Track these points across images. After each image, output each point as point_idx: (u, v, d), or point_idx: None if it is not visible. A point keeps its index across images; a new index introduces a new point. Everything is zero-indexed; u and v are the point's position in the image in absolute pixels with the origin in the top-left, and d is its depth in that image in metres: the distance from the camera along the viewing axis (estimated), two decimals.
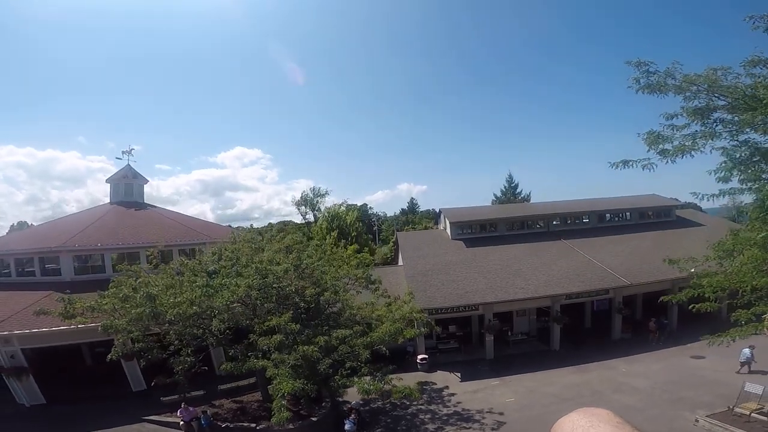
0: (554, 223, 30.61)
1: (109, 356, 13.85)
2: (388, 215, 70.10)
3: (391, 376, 13.75)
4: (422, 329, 15.50)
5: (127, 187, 28.12)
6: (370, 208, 68.34)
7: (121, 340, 13.90)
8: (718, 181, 9.21)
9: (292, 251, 16.48)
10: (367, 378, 13.31)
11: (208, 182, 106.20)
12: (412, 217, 66.33)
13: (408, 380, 18.95)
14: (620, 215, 31.86)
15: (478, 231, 29.72)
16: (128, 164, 28.19)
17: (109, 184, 28.52)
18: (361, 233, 42.65)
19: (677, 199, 33.93)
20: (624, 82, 9.12)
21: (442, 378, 19.49)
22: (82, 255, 21.72)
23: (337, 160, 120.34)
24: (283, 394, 11.40)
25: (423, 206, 69.99)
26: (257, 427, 14.13)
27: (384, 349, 13.96)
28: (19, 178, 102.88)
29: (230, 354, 14.58)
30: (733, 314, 11.16)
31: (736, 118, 8.66)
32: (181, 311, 13.09)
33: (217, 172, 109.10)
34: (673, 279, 22.37)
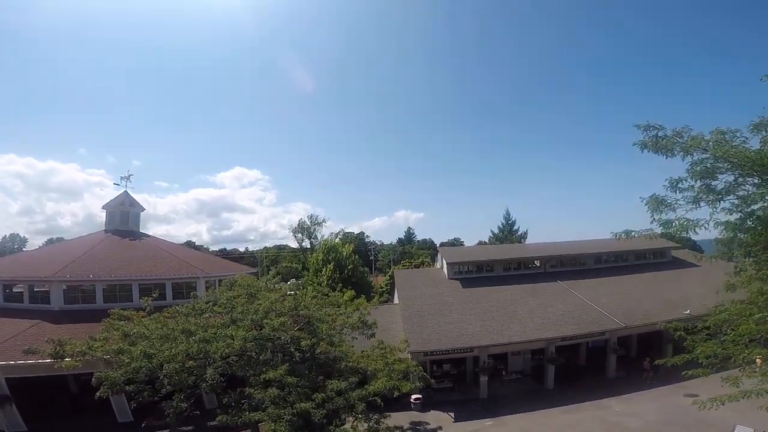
0: (550, 264, 30.67)
1: (98, 394, 13.59)
2: (384, 243, 70.23)
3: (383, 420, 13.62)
4: (418, 383, 15.40)
5: (123, 216, 28.14)
6: (367, 236, 68.58)
7: (108, 381, 13.71)
8: (716, 243, 9.71)
9: (288, 298, 16.54)
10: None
11: (205, 202, 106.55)
12: (409, 247, 66.42)
13: (401, 420, 18.74)
14: (617, 257, 32.01)
15: (475, 271, 29.80)
16: (126, 191, 28.34)
17: (104, 212, 28.54)
18: (357, 267, 42.66)
19: (676, 244, 34.24)
20: (629, 127, 9.40)
21: (435, 418, 19.08)
22: (74, 287, 21.67)
23: (335, 185, 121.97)
24: None
25: (420, 235, 70.28)
26: None
27: (379, 401, 13.83)
28: (16, 189, 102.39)
29: (224, 402, 14.29)
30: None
31: (741, 184, 8.60)
32: (177, 366, 13.06)
33: (215, 192, 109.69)
34: (667, 321, 22.44)
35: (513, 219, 58.18)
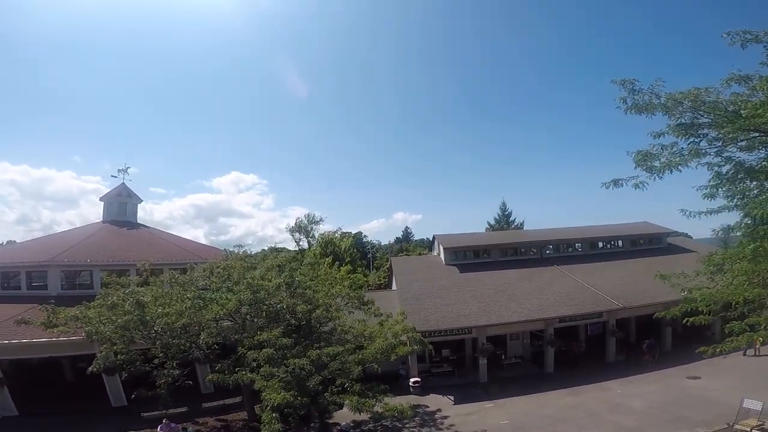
0: (547, 250, 30.75)
1: (90, 368, 13.33)
2: (382, 243, 70.04)
3: (382, 396, 13.39)
4: (415, 346, 15.19)
5: (121, 206, 27.91)
6: (365, 236, 68.17)
7: (103, 352, 13.42)
8: (704, 198, 9.69)
9: (285, 269, 16.36)
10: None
11: (202, 207, 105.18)
12: (407, 245, 66.26)
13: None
14: (612, 242, 32.05)
15: (472, 257, 29.66)
16: (123, 183, 28.19)
17: (102, 203, 28.34)
18: (355, 259, 42.38)
19: (671, 230, 34.31)
20: (614, 108, 9.44)
21: (434, 401, 18.91)
22: (71, 271, 21.32)
23: (333, 188, 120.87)
24: (274, 405, 10.96)
25: (417, 235, 70.20)
26: None
27: (376, 367, 13.59)
28: (11, 197, 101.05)
29: (217, 369, 14.12)
30: (727, 326, 11.05)
31: (720, 135, 8.85)
32: (169, 321, 12.79)
33: (211, 197, 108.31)
34: (664, 302, 22.44)
35: (509, 211, 58.14)
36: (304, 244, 63.04)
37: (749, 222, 9.90)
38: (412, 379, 19.95)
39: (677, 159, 8.85)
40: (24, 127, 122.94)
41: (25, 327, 15.94)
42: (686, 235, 39.27)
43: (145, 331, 13.12)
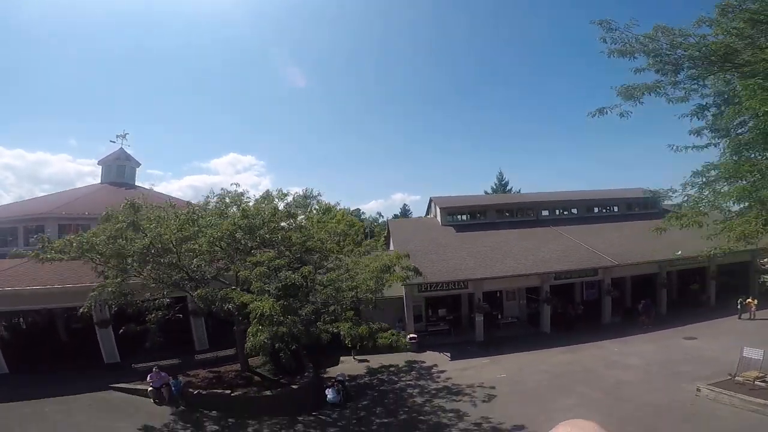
0: (543, 213, 30.49)
1: (81, 309, 12.75)
2: (380, 220, 69.31)
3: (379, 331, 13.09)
4: (409, 273, 14.85)
5: (119, 169, 27.51)
6: (363, 213, 67.40)
7: (95, 291, 12.77)
8: (690, 134, 10.66)
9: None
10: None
11: (200, 188, 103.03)
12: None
13: (396, 360, 18.39)
14: (608, 207, 31.84)
15: (468, 218, 29.40)
16: (121, 147, 27.76)
17: (100, 167, 27.92)
18: (353, 224, 41.91)
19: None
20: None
21: (431, 357, 18.79)
22: (69, 225, 20.53)
23: (331, 169, 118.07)
24: (261, 314, 10.43)
25: (416, 212, 69.20)
26: (231, 393, 13.17)
27: (371, 297, 13.24)
28: (7, 181, 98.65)
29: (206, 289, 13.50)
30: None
31: (696, 65, 9.43)
32: (163, 234, 12.24)
33: (209, 179, 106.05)
34: (660, 261, 22.37)
35: (506, 180, 57.49)
36: (302, 216, 62.26)
37: (734, 157, 10.47)
38: (408, 336, 19.72)
39: (655, 84, 9.52)
40: (18, 110, 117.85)
41: (16, 279, 15.50)
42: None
43: (138, 243, 12.35)
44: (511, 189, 56.18)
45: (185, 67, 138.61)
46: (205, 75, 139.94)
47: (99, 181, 27.97)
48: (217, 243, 12.94)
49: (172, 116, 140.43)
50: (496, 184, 57.51)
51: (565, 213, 30.93)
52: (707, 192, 11.04)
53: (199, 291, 12.19)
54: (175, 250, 12.85)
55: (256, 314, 10.73)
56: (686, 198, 11.38)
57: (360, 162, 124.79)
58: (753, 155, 10.16)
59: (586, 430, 0.78)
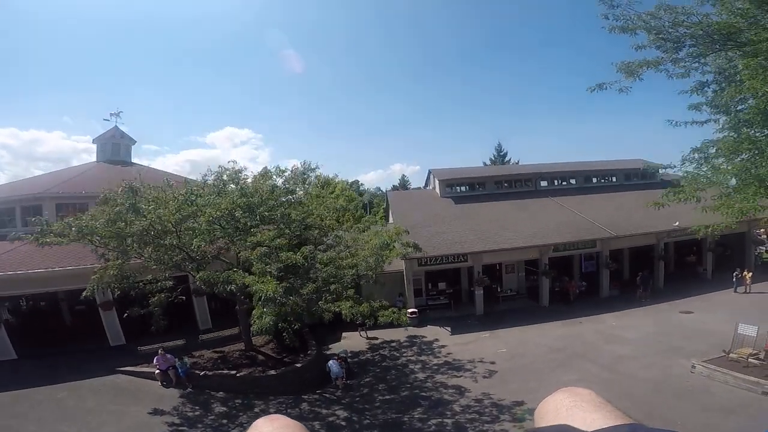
0: (542, 183, 30.38)
1: (83, 294, 12.78)
2: (379, 191, 68.72)
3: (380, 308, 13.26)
4: (408, 249, 14.97)
5: (114, 147, 26.82)
6: (362, 184, 66.65)
7: (97, 274, 12.74)
8: (689, 109, 10.66)
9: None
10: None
11: (197, 163, 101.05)
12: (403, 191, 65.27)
13: (397, 335, 18.69)
14: (606, 177, 31.67)
15: (467, 190, 29.30)
16: (116, 125, 26.96)
17: (95, 146, 27.13)
18: (352, 198, 41.55)
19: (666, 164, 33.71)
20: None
21: (432, 332, 19.09)
22: (66, 204, 20.15)
23: (329, 140, 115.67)
24: (266, 296, 10.49)
25: (415, 184, 68.53)
26: (237, 374, 13.40)
27: (372, 274, 13.36)
28: (2, 159, 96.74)
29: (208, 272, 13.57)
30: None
31: (697, 43, 9.36)
32: (162, 216, 12.12)
33: (206, 153, 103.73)
34: (657, 232, 22.41)
35: (505, 151, 56.75)
36: (300, 192, 61.50)
37: (733, 135, 10.46)
38: (408, 310, 19.95)
39: (656, 61, 9.54)
40: (7, 88, 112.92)
41: (18, 263, 15.38)
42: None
43: (137, 224, 12.26)
44: (509, 160, 55.58)
45: (181, 39, 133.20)
46: (201, 48, 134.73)
47: (94, 159, 27.43)
48: (216, 222, 12.84)
49: (168, 90, 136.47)
50: (494, 155, 56.81)
51: (564, 183, 30.75)
52: (706, 168, 11.13)
53: (200, 273, 12.15)
54: (174, 230, 12.76)
55: (260, 297, 10.76)
56: (685, 174, 11.51)
57: (359, 133, 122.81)
58: (752, 132, 10.22)
59: (582, 396, 0.80)
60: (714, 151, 10.84)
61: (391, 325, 14.86)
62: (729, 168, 10.42)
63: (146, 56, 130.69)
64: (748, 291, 20.51)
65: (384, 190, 62.28)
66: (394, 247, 14.59)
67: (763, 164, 9.74)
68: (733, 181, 11.00)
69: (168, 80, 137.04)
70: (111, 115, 27.12)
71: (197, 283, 13.50)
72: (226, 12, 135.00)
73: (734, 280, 20.88)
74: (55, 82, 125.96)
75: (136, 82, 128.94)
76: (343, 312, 12.30)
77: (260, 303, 11.08)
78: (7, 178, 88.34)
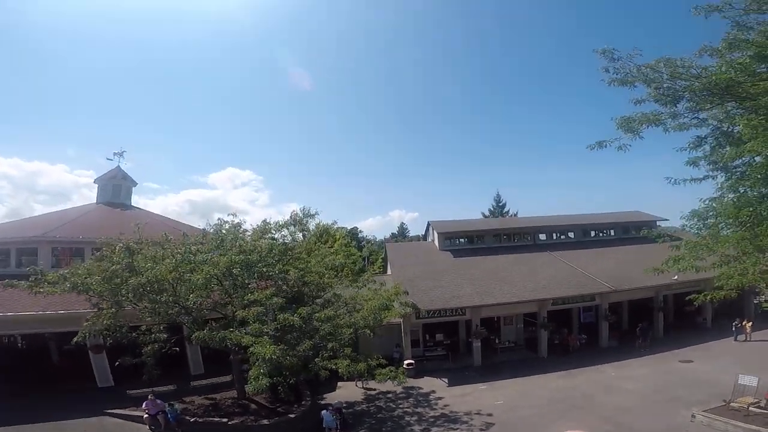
0: (540, 237, 30.83)
1: (74, 339, 12.85)
2: (377, 239, 69.29)
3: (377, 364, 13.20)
4: (408, 309, 15.07)
5: (115, 188, 27.38)
6: (361, 231, 67.32)
7: (90, 321, 12.89)
8: (687, 165, 10.53)
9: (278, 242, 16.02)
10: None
11: (197, 203, 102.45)
12: (401, 240, 65.68)
13: (393, 386, 18.25)
14: (604, 231, 32.19)
15: (466, 243, 29.75)
16: (118, 166, 27.73)
17: (96, 186, 27.79)
18: (350, 248, 41.94)
19: (662, 218, 34.36)
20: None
21: (428, 383, 18.71)
22: (62, 249, 20.52)
23: (328, 186, 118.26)
24: (264, 358, 10.53)
25: (413, 231, 69.29)
26: (228, 422, 13.08)
27: (369, 333, 13.38)
28: (3, 191, 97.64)
29: (204, 332, 13.60)
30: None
31: (695, 98, 9.39)
32: (158, 273, 12.36)
33: (207, 193, 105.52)
34: (656, 286, 22.50)
35: (504, 201, 57.99)
36: (299, 237, 62.02)
37: (732, 197, 10.30)
38: (405, 362, 19.67)
39: (655, 116, 9.54)
40: (15, 119, 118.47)
41: (10, 303, 15.44)
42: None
43: (133, 281, 12.49)
44: (508, 211, 56.56)
45: (186, 78, 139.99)
46: (203, 88, 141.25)
47: (95, 195, 27.70)
48: (214, 279, 13.12)
49: (172, 128, 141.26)
50: (493, 206, 57.88)
51: (562, 237, 31.17)
52: (705, 233, 11.13)
53: (196, 334, 12.26)
54: (171, 288, 13.04)
55: (257, 358, 10.88)
56: (684, 235, 11.49)
57: (359, 179, 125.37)
58: (752, 192, 9.90)
59: None
60: (713, 219, 10.68)
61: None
62: (729, 237, 10.29)
63: (153, 93, 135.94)
64: (748, 339, 20.31)
65: (383, 238, 62.78)
66: (393, 307, 14.78)
67: (763, 234, 9.42)
68: (732, 251, 10.87)
69: (176, 119, 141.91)
70: (114, 154, 27.63)
71: (193, 341, 13.49)
72: (236, 58, 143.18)
73: (734, 329, 20.74)
74: (62, 113, 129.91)
75: (140, 119, 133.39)
76: (340, 370, 12.36)
77: (257, 364, 11.05)
78: (6, 211, 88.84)
